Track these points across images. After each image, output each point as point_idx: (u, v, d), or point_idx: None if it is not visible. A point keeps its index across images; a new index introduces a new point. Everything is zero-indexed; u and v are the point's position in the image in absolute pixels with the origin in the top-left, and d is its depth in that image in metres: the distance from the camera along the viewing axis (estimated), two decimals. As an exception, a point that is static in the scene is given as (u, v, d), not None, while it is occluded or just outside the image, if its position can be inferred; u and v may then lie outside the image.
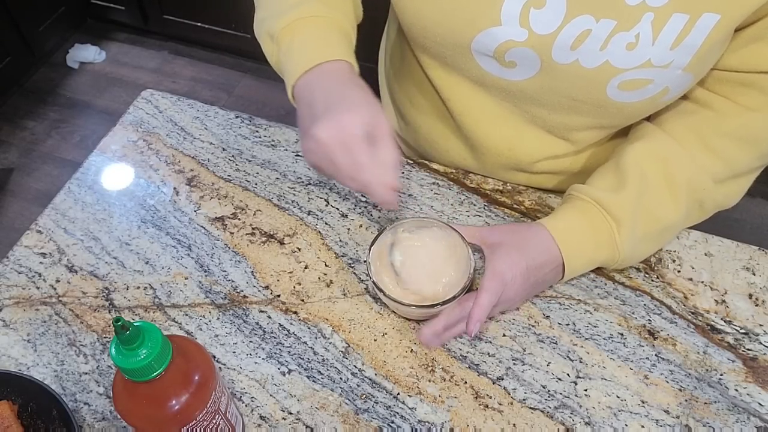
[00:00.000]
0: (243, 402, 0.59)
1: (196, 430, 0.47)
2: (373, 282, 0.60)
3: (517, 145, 0.70)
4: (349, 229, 0.71)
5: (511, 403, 0.59)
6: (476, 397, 0.59)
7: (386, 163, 0.54)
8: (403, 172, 0.76)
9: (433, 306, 0.58)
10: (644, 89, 0.57)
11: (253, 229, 0.71)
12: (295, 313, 0.65)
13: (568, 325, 0.64)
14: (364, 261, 0.68)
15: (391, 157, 0.54)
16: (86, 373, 0.60)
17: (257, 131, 0.81)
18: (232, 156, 0.78)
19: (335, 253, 0.69)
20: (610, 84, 0.57)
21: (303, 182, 0.75)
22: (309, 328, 0.63)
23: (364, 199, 0.74)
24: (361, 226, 0.71)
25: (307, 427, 0.57)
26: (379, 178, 0.54)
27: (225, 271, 0.68)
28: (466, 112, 0.70)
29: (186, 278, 0.67)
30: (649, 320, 0.64)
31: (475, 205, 0.73)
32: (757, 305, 0.65)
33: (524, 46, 0.58)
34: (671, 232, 0.65)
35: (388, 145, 0.54)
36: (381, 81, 0.89)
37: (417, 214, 0.72)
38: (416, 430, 0.57)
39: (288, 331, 0.63)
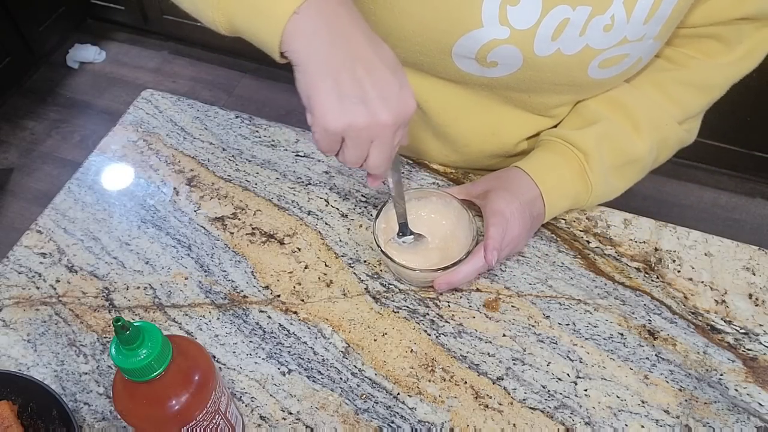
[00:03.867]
0: (243, 402, 0.59)
1: (196, 430, 0.47)
2: (381, 251, 0.61)
3: (499, 130, 0.71)
4: (349, 229, 0.71)
5: (511, 403, 0.59)
6: (476, 397, 0.59)
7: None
8: (403, 173, 0.76)
9: (436, 270, 0.61)
10: (621, 63, 0.60)
11: (253, 229, 0.71)
12: (295, 313, 0.65)
13: (568, 325, 0.64)
14: (369, 229, 0.69)
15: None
16: (86, 373, 0.60)
17: (257, 131, 0.81)
18: (232, 156, 0.78)
19: (335, 253, 0.69)
20: (591, 65, 0.60)
21: (303, 182, 0.75)
22: (309, 328, 0.63)
23: (364, 199, 0.74)
24: (361, 226, 0.71)
25: (307, 427, 0.57)
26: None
27: (225, 271, 0.68)
28: (444, 111, 0.70)
29: (186, 278, 0.67)
30: (649, 320, 0.64)
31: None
32: (757, 305, 0.65)
33: (507, 43, 0.58)
34: (639, 166, 0.69)
35: None
36: None
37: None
38: (416, 430, 0.57)
39: (288, 331, 0.63)
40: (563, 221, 0.72)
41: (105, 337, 0.63)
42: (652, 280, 0.67)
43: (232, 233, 0.71)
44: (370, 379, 0.60)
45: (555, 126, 0.72)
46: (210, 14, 0.48)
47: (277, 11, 0.45)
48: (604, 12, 0.55)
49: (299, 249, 0.69)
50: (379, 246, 0.62)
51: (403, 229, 0.64)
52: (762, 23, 0.61)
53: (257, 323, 0.64)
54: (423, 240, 0.65)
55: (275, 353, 0.62)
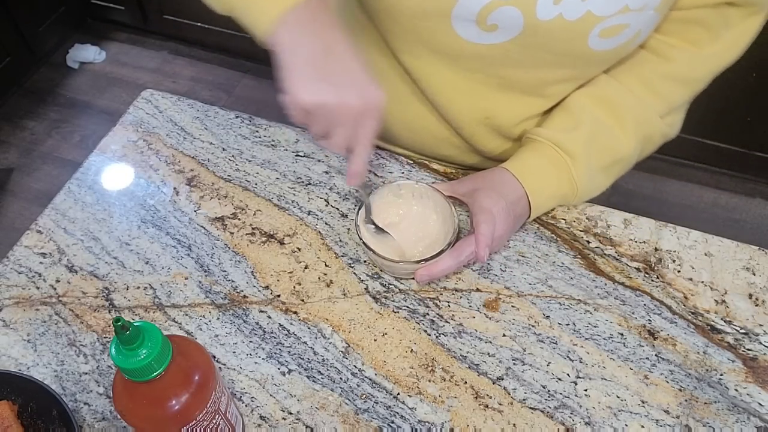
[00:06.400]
0: (243, 402, 0.59)
1: (196, 430, 0.47)
2: (363, 242, 0.62)
3: (493, 114, 0.71)
4: (349, 229, 0.71)
5: (511, 403, 0.59)
6: (476, 397, 0.59)
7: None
8: (402, 172, 0.76)
9: (418, 262, 0.62)
10: (621, 34, 0.60)
11: (253, 229, 0.71)
12: (295, 313, 0.65)
13: (568, 325, 0.64)
14: (352, 219, 0.69)
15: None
16: (86, 373, 0.60)
17: (257, 131, 0.81)
18: (232, 156, 0.78)
19: (335, 253, 0.69)
20: (591, 33, 0.59)
21: (303, 182, 0.75)
22: (309, 328, 0.63)
23: (364, 199, 0.74)
24: (361, 226, 0.71)
25: (307, 427, 0.57)
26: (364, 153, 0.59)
27: (225, 271, 0.68)
28: (437, 92, 0.70)
29: (186, 278, 0.67)
30: (649, 320, 0.64)
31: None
32: (757, 305, 0.65)
33: (508, 5, 0.58)
34: (625, 163, 0.70)
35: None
36: None
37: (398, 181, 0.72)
38: (416, 430, 0.57)
39: (288, 331, 0.63)
40: (563, 221, 0.72)
41: (105, 337, 0.63)
42: (652, 280, 0.67)
43: (232, 233, 0.71)
44: (370, 379, 0.60)
45: (550, 109, 0.71)
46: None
47: (267, 16, 0.54)
48: None
49: (299, 249, 0.69)
50: (361, 239, 0.63)
51: (368, 216, 0.66)
52: (749, 11, 0.62)
53: (257, 323, 0.64)
54: (386, 235, 0.66)
55: (275, 353, 0.62)
